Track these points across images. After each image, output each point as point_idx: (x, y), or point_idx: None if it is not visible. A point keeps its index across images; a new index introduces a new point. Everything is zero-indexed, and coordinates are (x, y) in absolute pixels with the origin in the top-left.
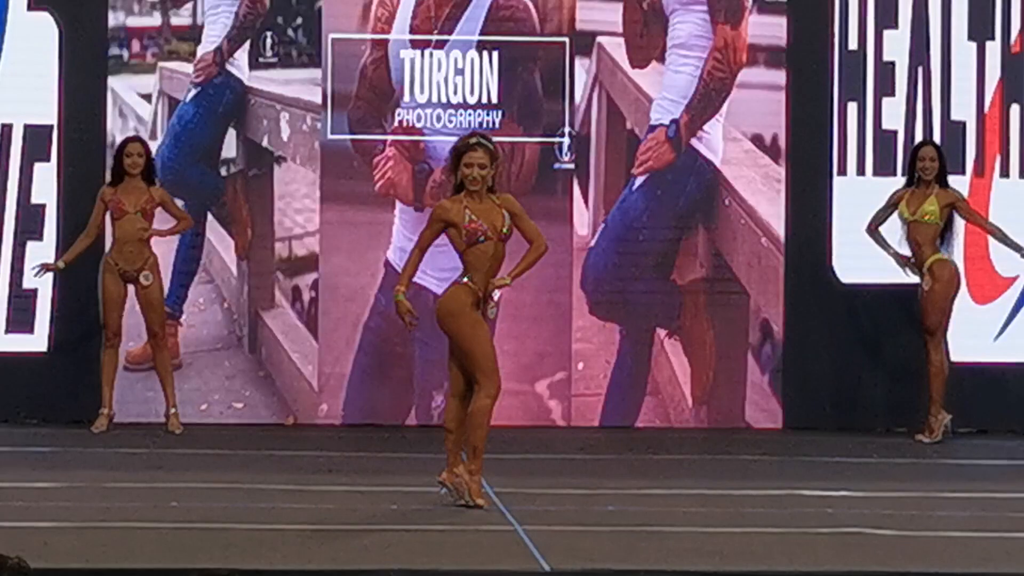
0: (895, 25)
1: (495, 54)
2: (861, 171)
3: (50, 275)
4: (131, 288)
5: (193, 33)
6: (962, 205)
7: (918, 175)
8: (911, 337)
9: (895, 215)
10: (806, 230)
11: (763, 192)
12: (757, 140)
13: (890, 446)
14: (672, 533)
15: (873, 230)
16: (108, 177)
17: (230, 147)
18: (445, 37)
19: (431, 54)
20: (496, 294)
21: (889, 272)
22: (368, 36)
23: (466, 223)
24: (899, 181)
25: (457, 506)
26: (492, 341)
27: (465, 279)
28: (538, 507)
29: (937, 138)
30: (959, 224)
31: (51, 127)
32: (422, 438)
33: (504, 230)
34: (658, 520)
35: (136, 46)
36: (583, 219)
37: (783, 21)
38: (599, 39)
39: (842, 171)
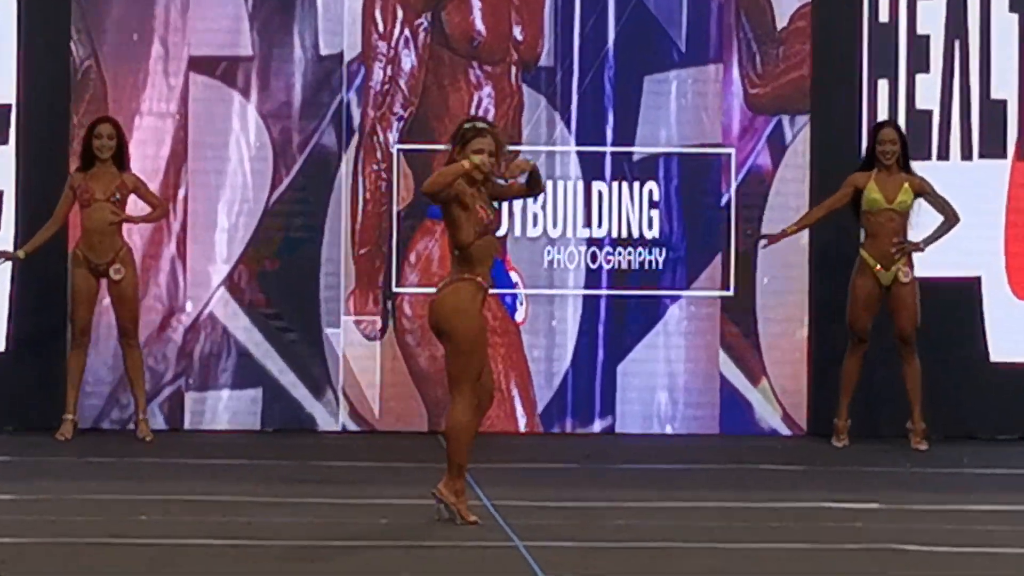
0: None
1: None
2: None
3: (8, 268)
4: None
5: None
6: (930, 196)
7: (877, 158)
8: (946, 336)
9: (838, 200)
10: (834, 221)
11: None
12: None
13: (925, 454)
14: (686, 550)
15: (814, 219)
16: (74, 161)
17: None
18: None
19: None
20: None
21: (925, 267)
22: None
23: (480, 212)
24: (934, 165)
25: (453, 522)
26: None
27: (468, 274)
28: (540, 521)
29: (975, 118)
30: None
31: (9, 107)
32: (416, 445)
33: (498, 220)
34: (671, 535)
35: None
36: None
37: None
38: None
39: None
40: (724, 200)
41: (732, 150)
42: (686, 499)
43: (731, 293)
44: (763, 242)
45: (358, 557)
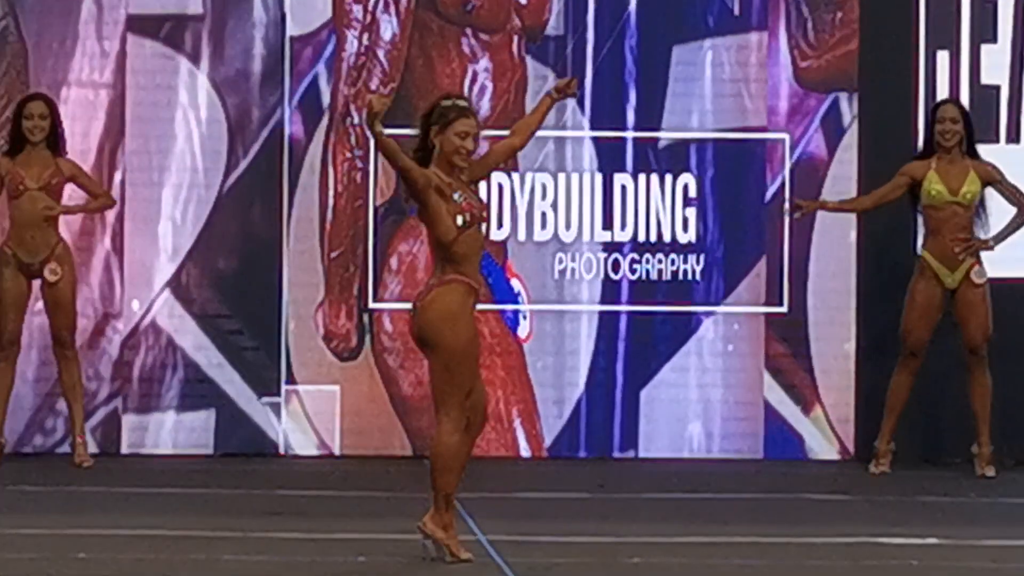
0: None
1: None
2: None
3: None
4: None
5: None
6: (1000, 185)
7: (937, 141)
8: (1017, 346)
9: (890, 192)
10: (885, 217)
11: None
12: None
13: (992, 482)
14: None
15: (860, 207)
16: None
17: None
18: None
19: None
20: None
21: (992, 267)
22: None
23: (462, 205)
24: (1002, 149)
25: (443, 560)
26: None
27: (455, 275)
28: (544, 558)
29: None
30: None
31: None
32: (397, 472)
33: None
34: (696, 575)
35: None
36: None
37: None
38: None
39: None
40: (770, 195)
41: (780, 135)
42: (715, 533)
43: (784, 309)
44: (798, 214)
45: None
